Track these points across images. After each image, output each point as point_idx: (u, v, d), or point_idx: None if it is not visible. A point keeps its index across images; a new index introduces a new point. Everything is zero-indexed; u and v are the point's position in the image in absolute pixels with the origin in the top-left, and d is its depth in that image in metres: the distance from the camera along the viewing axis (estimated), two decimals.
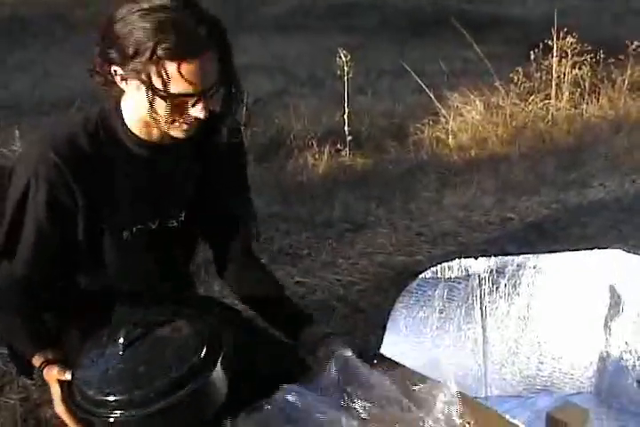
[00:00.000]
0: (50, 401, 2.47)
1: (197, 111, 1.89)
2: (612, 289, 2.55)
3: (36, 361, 2.00)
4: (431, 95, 5.98)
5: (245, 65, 7.74)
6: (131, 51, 1.82)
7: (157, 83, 1.84)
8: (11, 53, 8.73)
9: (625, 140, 5.29)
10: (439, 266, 2.55)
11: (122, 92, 1.96)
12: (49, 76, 7.95)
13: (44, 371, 1.97)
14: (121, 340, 1.81)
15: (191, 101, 1.88)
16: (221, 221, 2.24)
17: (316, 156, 5.05)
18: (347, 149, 5.20)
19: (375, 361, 2.23)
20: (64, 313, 2.17)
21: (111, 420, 1.73)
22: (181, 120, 1.92)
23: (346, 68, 5.23)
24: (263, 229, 3.59)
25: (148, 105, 1.88)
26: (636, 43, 5.96)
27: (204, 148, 2.13)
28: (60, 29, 10.07)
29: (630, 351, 2.51)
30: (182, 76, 1.83)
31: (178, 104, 1.88)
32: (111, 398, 1.73)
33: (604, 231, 3.47)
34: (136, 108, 1.96)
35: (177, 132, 1.96)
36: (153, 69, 1.82)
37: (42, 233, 2.01)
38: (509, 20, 9.89)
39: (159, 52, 1.79)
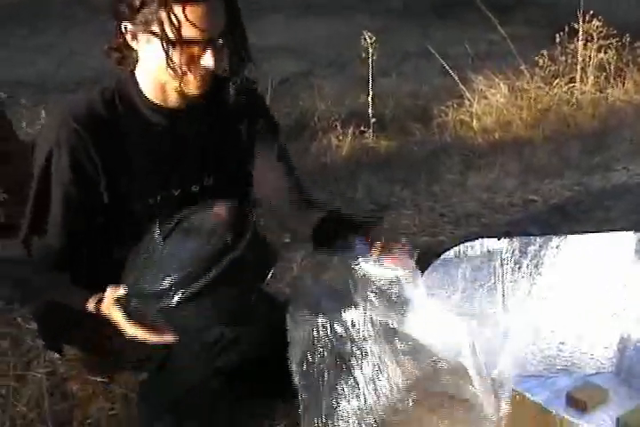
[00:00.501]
0: (76, 376, 2.56)
1: (207, 60, 1.94)
2: (633, 270, 2.56)
3: (91, 304, 2.01)
4: (456, 78, 5.98)
5: (271, 47, 7.83)
6: (138, 1, 1.89)
7: (167, 29, 1.89)
8: (34, 35, 8.78)
9: None
10: (462, 246, 2.57)
11: (135, 62, 2.03)
12: (73, 55, 7.98)
13: (103, 306, 1.98)
14: (157, 232, 1.87)
15: (200, 51, 1.93)
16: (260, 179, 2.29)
17: (340, 137, 5.08)
18: (370, 130, 5.21)
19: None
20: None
21: (173, 304, 1.80)
22: (193, 72, 1.97)
23: (370, 50, 5.25)
24: None
25: (159, 58, 1.93)
26: None
27: (220, 111, 2.18)
28: (81, 12, 10.10)
29: None
30: (190, 21, 1.88)
31: (188, 54, 1.93)
32: (162, 286, 1.80)
33: (627, 215, 3.47)
34: (149, 71, 2.03)
35: (190, 87, 2.01)
36: (161, 16, 1.88)
37: (69, 198, 2.05)
38: (534, 2, 9.84)
39: None
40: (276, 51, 7.92)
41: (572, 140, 4.98)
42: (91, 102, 2.05)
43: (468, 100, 5.93)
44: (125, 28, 1.96)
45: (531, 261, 2.57)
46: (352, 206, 3.84)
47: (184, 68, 1.96)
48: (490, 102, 5.85)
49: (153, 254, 1.87)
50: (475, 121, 5.63)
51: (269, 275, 1.92)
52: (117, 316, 1.94)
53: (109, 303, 1.95)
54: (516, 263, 2.57)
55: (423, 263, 2.67)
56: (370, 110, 5.30)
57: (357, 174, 4.34)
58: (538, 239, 2.58)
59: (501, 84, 6.01)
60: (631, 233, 2.58)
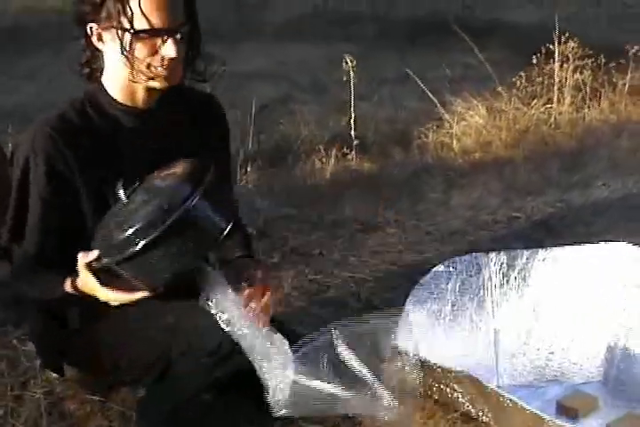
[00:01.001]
0: (73, 395, 2.59)
1: (169, 49, 2.01)
2: (619, 281, 2.63)
3: (67, 285, 2.09)
4: (435, 100, 6.06)
5: (249, 73, 7.89)
6: None
7: (126, 22, 1.98)
8: (16, 62, 8.82)
9: (627, 143, 5.38)
10: (451, 260, 2.64)
11: (102, 70, 2.12)
12: (58, 81, 8.02)
13: (78, 281, 2.05)
14: (121, 191, 2.00)
15: (161, 41, 2.01)
16: None
17: (323, 159, 5.13)
18: (353, 152, 5.28)
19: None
20: None
21: (137, 250, 1.89)
22: (156, 64, 2.04)
23: (352, 74, 5.31)
24: (275, 230, 3.71)
25: (119, 47, 2.01)
26: (636, 47, 6.05)
27: (181, 116, 2.26)
28: (65, 38, 10.15)
29: (637, 341, 2.60)
30: (148, 12, 1.98)
31: (150, 45, 2.02)
32: (127, 234, 1.91)
33: (609, 229, 3.54)
34: (115, 72, 2.10)
35: (155, 81, 2.08)
36: (121, 8, 1.97)
37: (46, 205, 2.11)
38: (509, 27, 9.97)
39: None
40: (255, 76, 8.01)
41: (551, 159, 5.07)
42: (62, 112, 2.13)
43: (448, 122, 6.01)
44: (91, 28, 2.04)
45: (518, 273, 2.64)
46: (337, 226, 3.90)
47: (148, 60, 2.04)
48: (469, 124, 5.94)
49: (118, 212, 2.00)
50: (455, 142, 5.72)
51: (225, 231, 1.99)
52: (91, 283, 2.01)
53: (82, 272, 2.01)
54: (504, 276, 2.64)
55: (411, 280, 2.74)
56: (352, 132, 5.37)
57: (342, 195, 4.41)
58: (525, 252, 2.66)
59: (480, 106, 6.10)
60: (614, 243, 2.65)
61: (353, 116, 5.45)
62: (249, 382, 2.34)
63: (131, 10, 1.98)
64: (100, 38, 2.06)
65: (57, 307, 2.29)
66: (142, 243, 1.89)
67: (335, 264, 3.45)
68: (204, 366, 2.14)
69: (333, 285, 3.26)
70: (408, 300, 2.56)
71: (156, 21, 1.99)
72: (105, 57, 2.11)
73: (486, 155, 5.43)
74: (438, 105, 6.05)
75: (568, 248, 2.67)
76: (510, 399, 2.13)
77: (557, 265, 2.65)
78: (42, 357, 2.52)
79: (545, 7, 10.12)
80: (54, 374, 2.69)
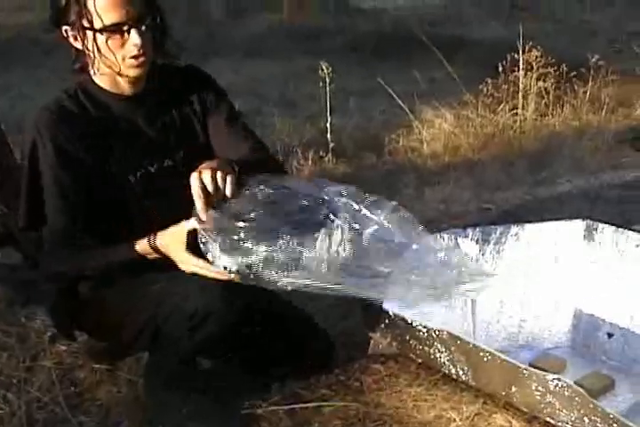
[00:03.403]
0: (82, 365, 2.77)
1: (134, 38, 2.23)
2: (584, 253, 2.87)
3: (142, 247, 2.24)
4: (405, 108, 6.28)
5: None
6: (63, 2, 2.23)
7: (87, 22, 2.21)
8: None
9: (588, 144, 5.64)
10: (432, 235, 2.86)
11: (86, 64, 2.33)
12: (27, 97, 8.14)
13: (158, 241, 2.21)
14: None
15: (125, 34, 2.23)
16: (219, 146, 2.52)
17: (301, 162, 5.33)
18: (329, 155, 5.49)
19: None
20: None
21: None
22: (127, 55, 2.26)
23: (327, 80, 5.51)
24: None
25: (95, 48, 2.24)
26: (596, 56, 6.32)
27: (173, 93, 2.48)
28: (35, 53, 10.27)
29: (601, 308, 2.84)
30: (107, 9, 2.19)
31: (117, 39, 2.23)
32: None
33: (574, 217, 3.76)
34: (96, 65, 2.31)
35: (130, 70, 2.30)
36: (84, 10, 2.20)
37: (60, 180, 2.31)
38: (473, 43, 10.17)
39: None
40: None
41: (518, 160, 5.31)
42: (59, 99, 2.35)
43: (417, 128, 6.23)
44: (65, 31, 2.28)
45: (493, 247, 2.86)
46: None
47: (120, 53, 2.26)
48: (438, 130, 6.15)
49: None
50: (425, 146, 5.94)
51: None
52: (180, 249, 2.16)
53: (179, 235, 2.16)
54: (479, 250, 2.87)
55: None
56: (329, 135, 5.57)
57: None
58: (498, 228, 2.89)
59: (447, 114, 6.34)
60: (579, 221, 2.90)
61: (329, 120, 5.64)
62: (249, 351, 2.55)
63: (88, 10, 2.20)
64: (75, 38, 2.29)
65: (70, 282, 2.49)
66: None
67: None
68: (187, 329, 2.24)
69: None
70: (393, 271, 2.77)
71: (114, 18, 2.21)
72: (84, 54, 2.32)
73: (455, 158, 5.66)
74: (408, 111, 6.26)
75: (538, 224, 2.91)
76: (489, 353, 2.33)
77: (528, 239, 2.89)
78: (56, 324, 2.70)
79: (507, 24, 10.36)
80: (63, 347, 2.88)
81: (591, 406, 2.13)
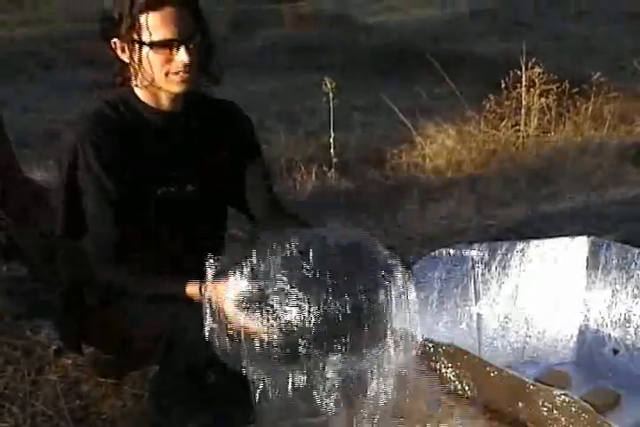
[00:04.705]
0: (87, 379, 2.77)
1: (182, 55, 2.25)
2: (588, 269, 2.88)
3: (193, 290, 2.20)
4: (408, 123, 6.31)
5: None
6: (116, 14, 2.23)
7: (142, 35, 2.23)
8: None
9: (589, 161, 5.66)
10: (437, 251, 2.87)
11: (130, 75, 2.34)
12: (28, 110, 8.19)
13: (209, 291, 2.10)
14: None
15: (174, 50, 2.25)
16: (240, 184, 2.55)
17: (304, 176, 5.36)
18: (332, 170, 5.51)
19: None
20: None
21: None
22: (172, 70, 2.27)
23: (331, 95, 5.54)
24: None
25: (144, 63, 2.26)
26: (598, 73, 6.35)
27: (209, 119, 2.48)
28: (34, 67, 10.32)
29: (606, 324, 2.84)
30: (160, 24, 2.22)
31: (165, 54, 2.25)
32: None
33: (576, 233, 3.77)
34: (139, 78, 2.32)
35: (172, 85, 2.31)
36: (136, 24, 2.22)
37: (104, 186, 2.30)
38: (475, 59, 10.21)
39: (137, 6, 2.20)
40: None
41: (520, 176, 5.33)
42: (99, 108, 2.37)
43: (420, 144, 6.25)
44: (114, 43, 2.30)
45: (499, 263, 2.87)
46: None
47: (165, 68, 2.28)
48: (440, 145, 6.18)
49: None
50: (427, 162, 5.96)
51: None
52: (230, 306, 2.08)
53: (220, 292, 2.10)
54: (485, 266, 2.88)
55: None
56: (332, 150, 5.60)
57: (324, 207, 4.63)
58: (504, 244, 2.90)
59: (450, 130, 6.37)
60: (584, 237, 2.90)
61: (332, 135, 5.67)
62: None
63: (141, 25, 2.22)
64: (123, 51, 2.30)
65: (76, 293, 2.49)
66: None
67: None
68: (203, 343, 2.19)
69: None
70: None
71: (164, 34, 2.23)
72: (130, 66, 2.34)
73: (458, 173, 5.68)
74: (411, 127, 6.29)
75: (543, 240, 2.91)
76: (496, 368, 2.34)
77: (534, 255, 2.90)
78: (62, 336, 2.69)
79: (510, 41, 10.40)
80: (68, 360, 2.88)
81: (598, 422, 2.13)
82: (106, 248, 2.34)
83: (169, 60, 2.27)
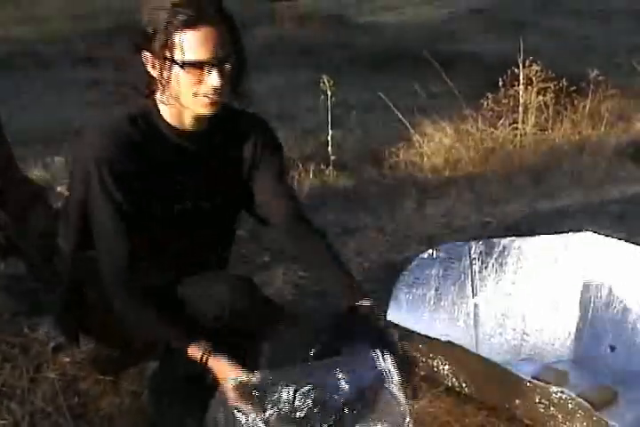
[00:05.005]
0: (86, 376, 2.78)
1: (213, 79, 2.16)
2: (585, 266, 2.89)
3: (194, 351, 2.19)
4: (405, 122, 6.31)
5: None
6: (151, 29, 2.15)
7: (175, 53, 2.14)
8: None
9: (588, 159, 5.68)
10: (435, 248, 2.89)
11: (153, 81, 2.25)
12: (24, 110, 8.17)
13: (211, 361, 2.17)
14: None
15: (206, 72, 2.16)
16: (260, 196, 2.49)
17: (302, 174, 5.36)
18: (330, 167, 5.52)
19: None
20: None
21: None
22: (201, 92, 2.19)
23: (329, 93, 5.53)
24: (264, 233, 3.90)
25: (174, 81, 2.18)
26: (596, 71, 6.35)
27: (232, 136, 2.42)
28: (32, 65, 10.31)
29: (603, 321, 2.86)
30: (195, 45, 2.13)
31: (196, 75, 2.16)
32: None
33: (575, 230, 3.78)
34: (165, 96, 2.25)
35: (200, 107, 2.23)
36: (170, 41, 2.13)
37: (115, 202, 2.26)
38: (472, 57, 10.21)
39: (174, 24, 2.12)
40: None
41: (518, 174, 5.34)
42: (119, 123, 2.30)
43: (417, 142, 6.25)
44: (145, 57, 2.22)
45: (496, 260, 2.89)
46: None
47: (194, 89, 2.20)
48: (438, 144, 6.18)
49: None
50: (425, 160, 5.97)
51: None
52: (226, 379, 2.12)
53: (224, 369, 2.15)
54: (482, 263, 2.89)
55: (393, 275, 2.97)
56: (329, 148, 5.60)
57: (323, 204, 4.64)
58: (502, 241, 2.91)
59: (448, 128, 6.36)
60: (581, 234, 2.91)
61: (330, 133, 5.67)
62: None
63: (175, 43, 2.13)
64: (153, 66, 2.20)
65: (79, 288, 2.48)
66: None
67: None
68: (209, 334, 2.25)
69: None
70: (396, 284, 2.80)
71: (201, 55, 2.14)
72: (157, 82, 2.25)
73: (455, 172, 5.69)
74: (408, 126, 6.29)
75: (541, 237, 2.93)
76: (492, 363, 2.35)
77: (531, 252, 2.91)
78: (62, 328, 2.68)
79: (507, 39, 10.39)
80: (67, 358, 2.88)
81: (594, 418, 2.14)
82: (118, 269, 2.30)
83: (199, 82, 2.18)
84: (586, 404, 2.15)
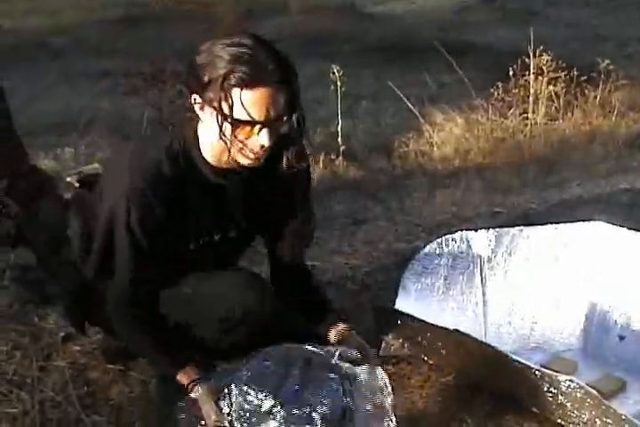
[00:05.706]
0: (96, 365, 2.79)
1: (262, 138, 2.08)
2: (595, 256, 2.88)
3: (182, 379, 2.22)
4: (415, 111, 6.30)
5: None
6: (206, 78, 2.06)
7: (226, 109, 2.05)
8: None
9: (598, 149, 5.66)
10: (443, 237, 2.88)
11: (198, 119, 2.19)
12: (34, 101, 8.19)
13: (195, 390, 2.17)
14: None
15: (257, 129, 2.08)
16: (281, 232, 2.46)
17: (312, 165, 5.35)
18: (340, 157, 5.52)
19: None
20: None
21: None
22: (249, 148, 2.12)
23: (339, 83, 5.53)
24: None
25: (218, 131, 2.09)
26: (607, 61, 6.33)
27: (268, 174, 2.28)
28: (42, 56, 10.32)
29: (612, 311, 2.85)
30: (249, 104, 2.04)
31: (245, 131, 2.09)
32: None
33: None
34: (209, 136, 2.18)
35: (244, 159, 2.16)
36: (223, 96, 2.04)
37: (137, 241, 2.24)
38: (482, 46, 10.19)
39: (231, 80, 2.02)
40: None
41: (528, 164, 5.34)
42: (157, 161, 2.21)
43: (427, 131, 6.25)
44: (195, 99, 2.13)
45: (505, 249, 2.88)
46: (330, 220, 4.12)
47: (239, 145, 2.11)
48: (448, 133, 6.18)
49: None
50: (435, 150, 5.96)
51: None
52: (210, 407, 2.14)
53: (206, 396, 2.16)
54: (492, 252, 2.89)
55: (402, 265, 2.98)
56: (339, 138, 5.60)
57: (332, 194, 4.64)
58: (511, 230, 2.91)
59: (458, 117, 6.36)
60: (591, 223, 2.91)
61: (340, 123, 5.66)
62: None
63: (232, 100, 2.04)
64: (202, 109, 2.12)
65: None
66: None
67: (331, 252, 3.67)
68: (217, 333, 2.30)
69: (331, 269, 3.47)
70: (405, 274, 2.80)
71: (255, 115, 2.05)
72: (203, 122, 2.18)
73: (465, 162, 5.68)
74: (418, 115, 6.28)
75: (550, 226, 2.92)
76: (501, 353, 2.35)
77: (540, 241, 2.90)
78: (69, 315, 2.70)
79: (518, 28, 10.35)
80: (76, 347, 2.90)
81: (603, 407, 2.14)
82: (125, 292, 2.33)
83: (248, 137, 2.10)
84: (594, 393, 2.15)
